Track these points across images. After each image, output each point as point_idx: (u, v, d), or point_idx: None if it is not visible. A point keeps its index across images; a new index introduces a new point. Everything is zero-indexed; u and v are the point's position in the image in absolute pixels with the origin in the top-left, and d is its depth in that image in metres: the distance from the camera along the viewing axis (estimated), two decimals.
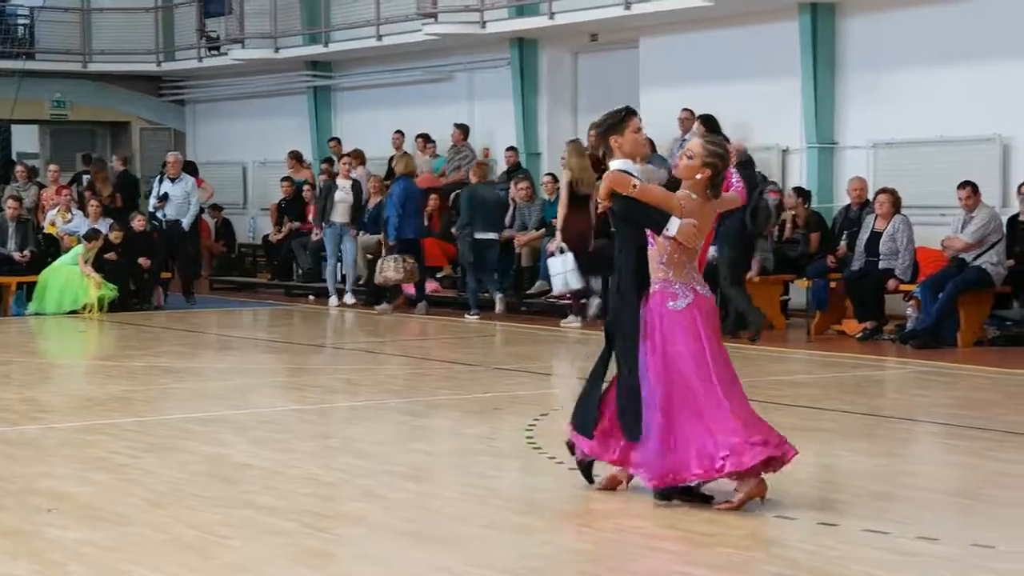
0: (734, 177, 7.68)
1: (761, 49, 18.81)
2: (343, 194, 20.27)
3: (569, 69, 22.15)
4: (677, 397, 7.23)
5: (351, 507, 7.44)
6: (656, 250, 7.41)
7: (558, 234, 16.65)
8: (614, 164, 7.52)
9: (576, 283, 16.57)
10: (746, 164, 15.28)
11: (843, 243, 16.26)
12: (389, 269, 18.64)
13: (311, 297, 21.70)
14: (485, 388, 12.14)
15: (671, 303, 7.35)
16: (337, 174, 21.08)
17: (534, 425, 9.95)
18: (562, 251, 16.47)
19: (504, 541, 6.74)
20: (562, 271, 16.48)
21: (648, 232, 7.42)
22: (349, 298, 20.18)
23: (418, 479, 8.27)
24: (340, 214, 20.26)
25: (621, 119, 7.58)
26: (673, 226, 7.32)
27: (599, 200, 7.57)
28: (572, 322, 17.13)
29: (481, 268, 18.86)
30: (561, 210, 16.79)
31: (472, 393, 11.88)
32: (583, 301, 16.89)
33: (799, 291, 16.98)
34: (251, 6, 26.04)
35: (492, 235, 18.90)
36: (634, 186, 7.34)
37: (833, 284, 15.98)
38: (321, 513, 7.24)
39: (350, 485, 8.02)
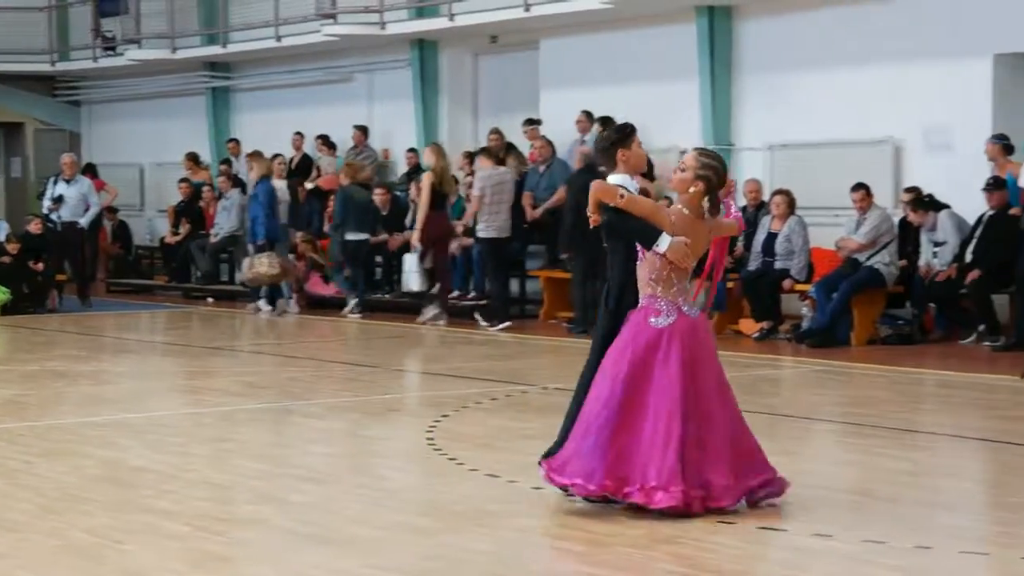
0: (733, 208, 7.49)
1: (659, 51, 18.94)
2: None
3: (469, 70, 22.15)
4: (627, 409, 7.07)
5: (248, 510, 7.39)
6: (645, 265, 7.24)
7: (416, 233, 17.22)
8: (613, 179, 7.46)
9: (417, 285, 17.26)
10: (589, 168, 15.64)
11: (740, 244, 16.43)
12: (263, 266, 18.59)
13: (210, 300, 21.51)
14: (384, 390, 12.12)
15: (653, 319, 7.17)
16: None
17: (434, 426, 9.94)
18: (416, 251, 17.12)
19: (403, 542, 6.72)
20: (408, 271, 17.24)
21: (638, 247, 7.26)
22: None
23: (316, 481, 8.22)
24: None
25: (627, 134, 7.61)
26: (663, 243, 7.13)
27: (588, 213, 7.37)
28: (427, 316, 17.54)
29: (355, 267, 18.96)
30: (421, 211, 17.27)
31: (371, 395, 11.84)
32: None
33: None
34: (148, 6, 25.74)
35: (364, 236, 18.97)
36: (621, 196, 7.23)
37: (730, 284, 16.14)
38: (218, 517, 7.18)
39: (247, 488, 7.96)
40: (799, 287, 15.61)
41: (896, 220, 15.54)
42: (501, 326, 16.92)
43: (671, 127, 18.81)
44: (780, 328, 15.64)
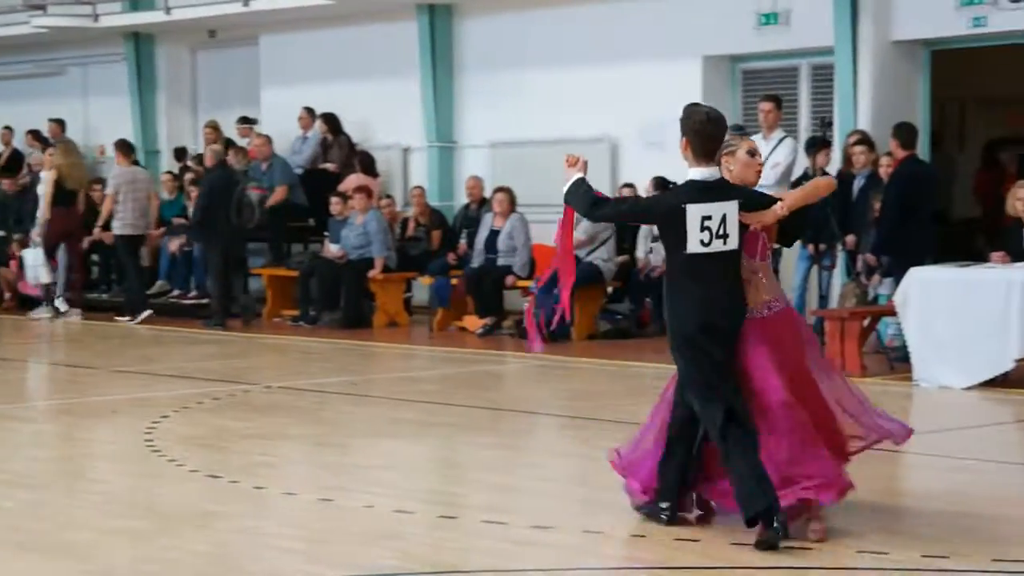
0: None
1: (382, 49, 18.93)
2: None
3: (188, 66, 21.74)
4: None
5: None
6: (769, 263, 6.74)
7: (38, 228, 17.80)
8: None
9: (46, 277, 17.78)
10: (222, 166, 17.12)
11: (463, 241, 16.56)
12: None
13: None
14: (102, 391, 11.80)
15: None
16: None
17: (153, 428, 9.72)
18: (36, 245, 17.73)
19: (118, 546, 6.54)
20: (33, 264, 17.84)
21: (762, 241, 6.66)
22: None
23: (29, 487, 7.94)
24: None
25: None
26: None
27: (786, 210, 6.54)
28: (41, 313, 17.90)
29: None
30: (45, 208, 17.81)
31: (89, 396, 11.51)
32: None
33: (422, 288, 17.18)
34: None
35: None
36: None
37: (454, 281, 16.24)
38: None
39: None
40: (521, 283, 15.82)
41: None
42: (140, 317, 17.36)
43: (394, 124, 18.85)
44: (503, 324, 15.81)
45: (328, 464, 8.76)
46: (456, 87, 18.51)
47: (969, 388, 11.05)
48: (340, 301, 16.65)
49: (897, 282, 11.93)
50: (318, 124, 18.86)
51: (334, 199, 17.17)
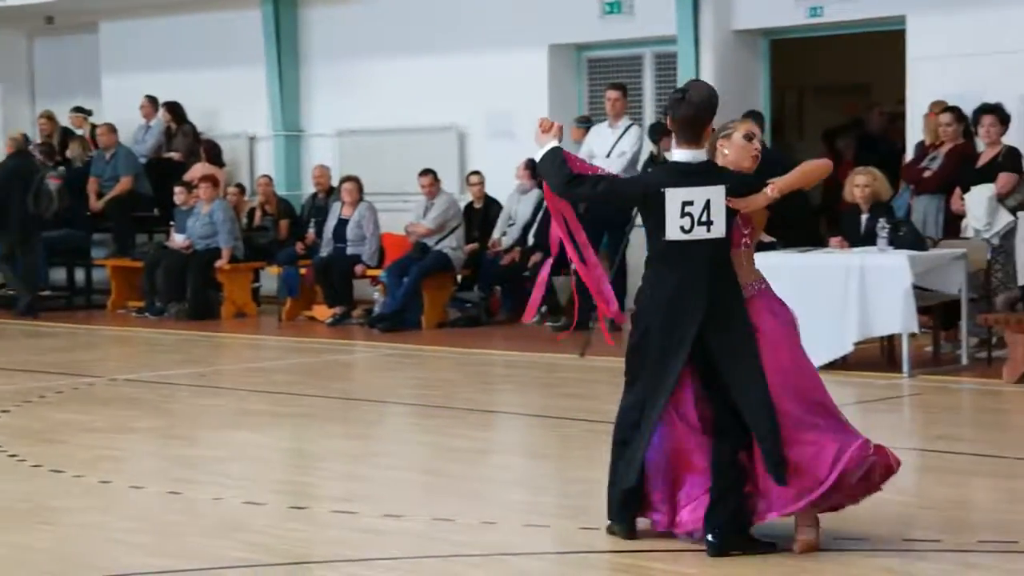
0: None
1: (226, 37, 18.72)
2: None
3: (24, 53, 21.27)
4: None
5: None
6: (752, 251, 6.35)
7: None
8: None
9: None
10: (19, 154, 17.11)
11: (311, 230, 16.47)
12: None
13: None
14: None
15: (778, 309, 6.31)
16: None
17: None
18: None
19: None
20: None
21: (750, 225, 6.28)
22: None
23: None
24: None
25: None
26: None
27: (777, 192, 6.13)
28: None
29: None
30: None
31: None
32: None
33: (270, 278, 17.05)
34: None
35: None
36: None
37: (303, 271, 16.15)
38: None
39: None
40: (371, 272, 15.78)
41: (463, 205, 15.92)
42: None
43: (240, 113, 18.66)
44: (353, 313, 15.76)
45: (176, 456, 8.67)
46: (302, 76, 18.39)
47: None
48: (187, 292, 16.46)
49: None
50: (161, 113, 18.61)
51: (178, 189, 16.96)
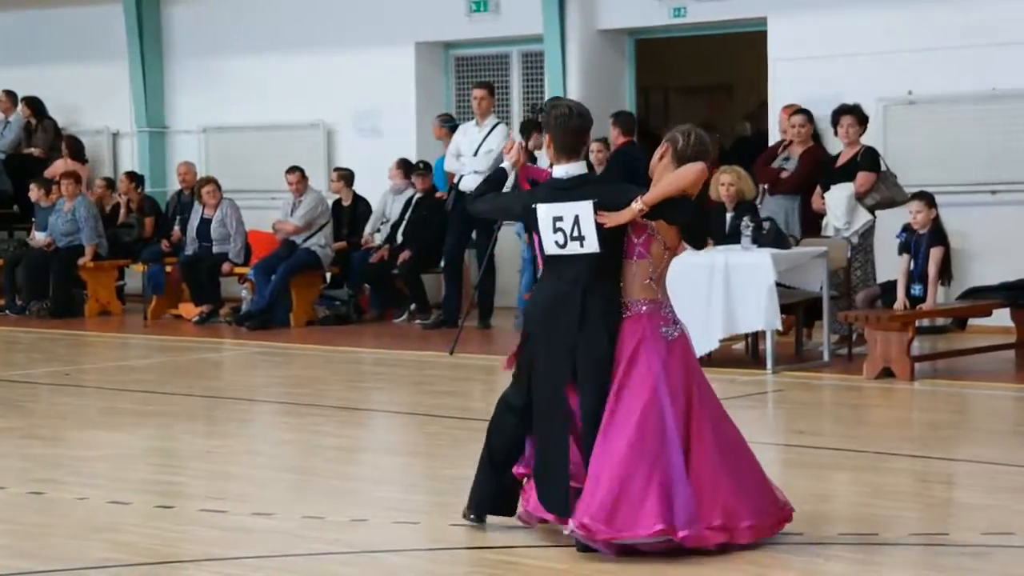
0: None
1: (88, 32, 18.46)
2: None
3: None
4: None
5: None
6: (648, 263, 6.12)
7: None
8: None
9: None
10: None
11: (176, 228, 16.31)
12: None
13: None
14: None
15: (664, 329, 6.10)
16: None
17: None
18: None
19: None
20: None
21: (638, 241, 6.14)
22: None
23: None
24: None
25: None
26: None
27: (643, 205, 6.02)
28: None
29: None
30: None
31: None
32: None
33: (135, 276, 16.85)
34: None
35: None
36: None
37: (169, 268, 15.98)
38: None
39: None
40: (238, 270, 15.66)
41: (330, 202, 15.87)
42: None
43: (103, 109, 18.43)
44: (220, 311, 15.63)
45: (38, 456, 8.53)
46: (167, 71, 18.20)
47: None
48: (49, 290, 16.20)
49: None
50: (21, 108, 18.28)
51: (33, 186, 16.67)
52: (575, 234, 6.07)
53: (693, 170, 6.12)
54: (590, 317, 6.07)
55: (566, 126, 6.16)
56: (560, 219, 6.09)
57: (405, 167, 15.52)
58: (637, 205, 6.02)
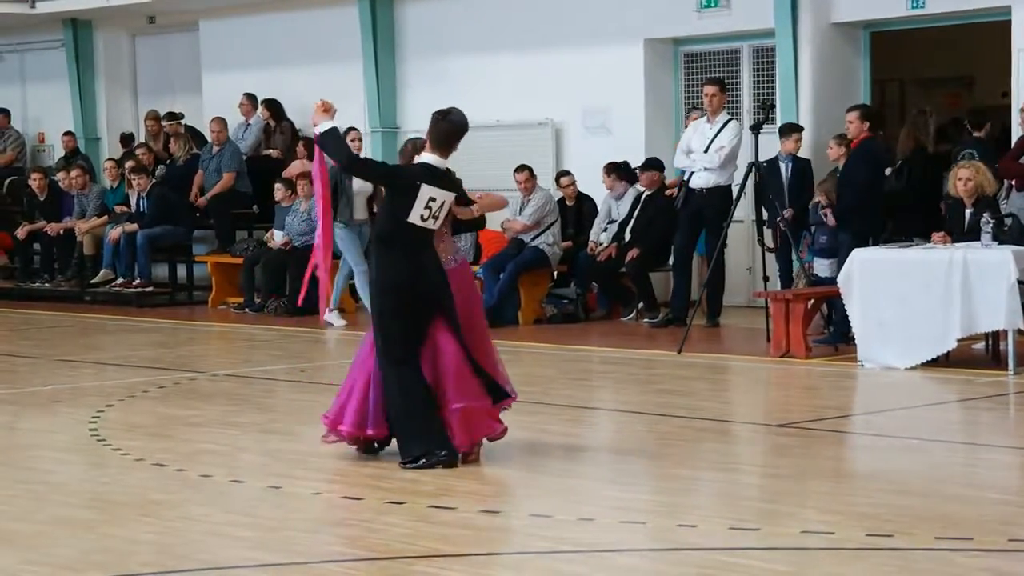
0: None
1: (323, 34, 18.86)
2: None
3: (127, 52, 21.58)
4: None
5: None
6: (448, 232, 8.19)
7: None
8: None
9: None
10: None
11: None
12: None
13: None
14: (44, 380, 11.71)
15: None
16: None
17: (98, 417, 9.66)
18: None
19: (64, 536, 6.50)
20: None
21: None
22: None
23: None
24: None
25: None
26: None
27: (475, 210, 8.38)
28: None
29: None
30: None
31: (30, 387, 11.42)
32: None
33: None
34: None
35: None
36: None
37: None
38: None
39: None
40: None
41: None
42: None
43: (338, 110, 18.73)
44: None
45: (275, 451, 8.69)
46: (399, 72, 18.46)
47: (912, 368, 11.14)
48: (285, 288, 16.59)
49: (842, 263, 11.95)
50: (260, 110, 18.77)
51: (278, 186, 17.09)
52: (436, 214, 7.86)
53: (500, 200, 9.03)
54: (432, 271, 7.93)
55: (447, 130, 8.07)
56: (434, 200, 7.83)
57: (615, 170, 15.46)
58: (476, 209, 8.24)
